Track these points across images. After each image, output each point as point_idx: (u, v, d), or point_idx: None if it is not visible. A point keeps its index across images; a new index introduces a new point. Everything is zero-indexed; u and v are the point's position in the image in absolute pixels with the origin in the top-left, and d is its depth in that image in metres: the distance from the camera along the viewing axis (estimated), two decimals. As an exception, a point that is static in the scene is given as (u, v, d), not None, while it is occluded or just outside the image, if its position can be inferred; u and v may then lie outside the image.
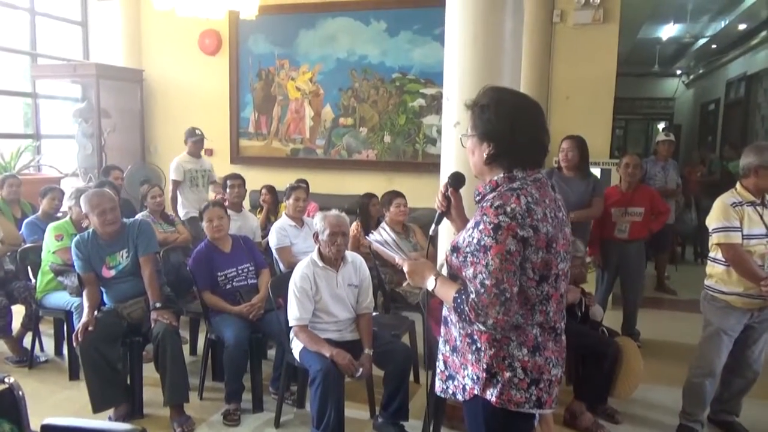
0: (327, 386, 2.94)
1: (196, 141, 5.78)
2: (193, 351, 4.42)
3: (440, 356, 1.89)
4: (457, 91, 3.16)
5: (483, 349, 1.71)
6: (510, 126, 1.71)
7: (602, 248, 4.70)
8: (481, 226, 1.63)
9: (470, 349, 1.74)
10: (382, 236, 2.02)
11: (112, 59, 7.25)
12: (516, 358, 1.70)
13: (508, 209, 1.61)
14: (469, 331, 1.74)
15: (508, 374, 1.69)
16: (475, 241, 1.64)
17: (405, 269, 1.89)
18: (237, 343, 3.43)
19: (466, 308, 1.64)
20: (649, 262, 5.81)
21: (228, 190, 5.09)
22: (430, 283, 1.81)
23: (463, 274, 1.70)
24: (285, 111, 7.13)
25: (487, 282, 1.60)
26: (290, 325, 3.23)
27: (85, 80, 6.98)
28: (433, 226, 1.99)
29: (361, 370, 3.06)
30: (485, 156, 1.74)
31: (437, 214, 1.98)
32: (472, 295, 1.62)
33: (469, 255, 1.66)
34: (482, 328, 1.65)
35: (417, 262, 1.89)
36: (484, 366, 1.71)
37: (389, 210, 4.64)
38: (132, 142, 7.34)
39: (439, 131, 6.21)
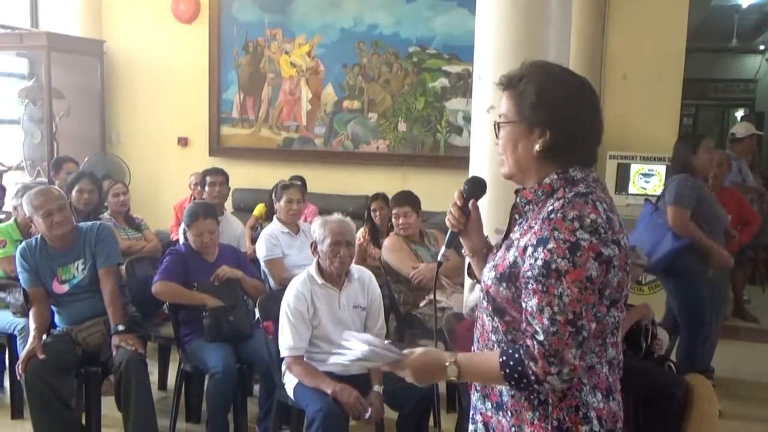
0: (328, 430, 2.93)
1: None
2: (162, 385, 4.44)
3: (478, 416, 1.78)
4: (490, 68, 3.17)
5: (550, 401, 1.62)
6: (574, 108, 1.64)
7: None
8: (551, 245, 1.52)
9: (529, 404, 1.64)
10: (354, 346, 1.70)
11: (66, 28, 7.27)
12: (591, 407, 1.63)
13: (587, 222, 1.53)
14: None
15: (584, 428, 1.63)
16: (539, 263, 1.53)
17: (408, 377, 1.70)
18: (227, 370, 3.44)
19: (530, 363, 1.53)
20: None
21: (207, 189, 5.10)
22: (451, 372, 1.65)
23: (522, 306, 1.60)
24: (277, 92, 7.14)
25: (560, 318, 1.51)
26: (282, 355, 3.24)
27: (33, 53, 7.02)
28: (443, 248, 1.91)
29: (370, 410, 3.05)
30: (538, 148, 1.63)
31: (449, 233, 1.88)
32: (540, 337, 1.52)
33: (530, 282, 1.55)
34: (555, 384, 1.54)
35: (417, 358, 1.69)
36: (555, 423, 1.62)
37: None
38: (90, 128, 7.37)
39: (466, 118, 6.20)
